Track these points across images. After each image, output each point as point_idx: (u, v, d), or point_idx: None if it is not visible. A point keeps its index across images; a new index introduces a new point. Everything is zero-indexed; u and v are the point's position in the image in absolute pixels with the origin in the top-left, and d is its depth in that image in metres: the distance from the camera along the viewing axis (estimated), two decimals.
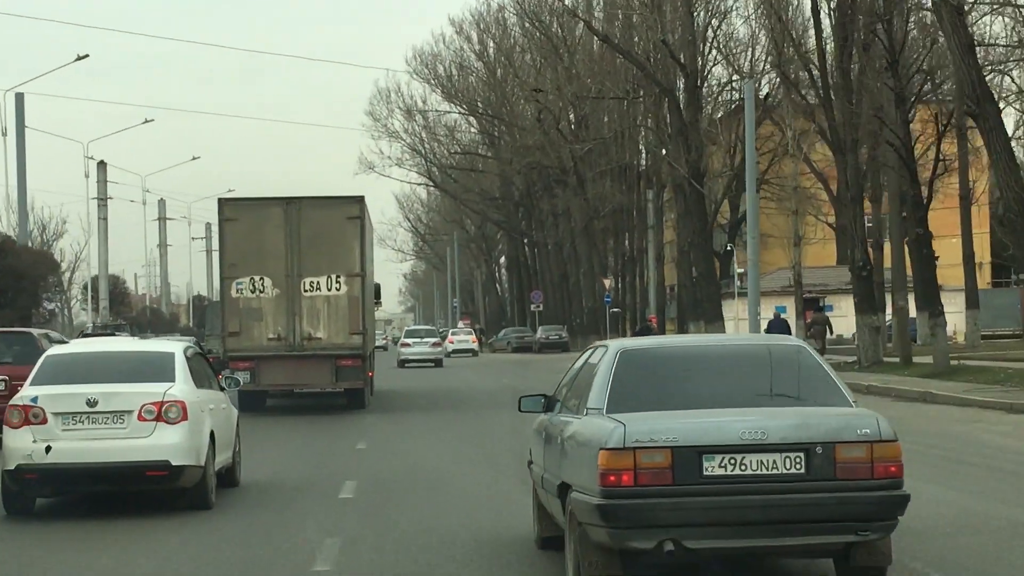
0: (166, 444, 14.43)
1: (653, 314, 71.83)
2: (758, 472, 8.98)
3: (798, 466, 9.00)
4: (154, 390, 14.64)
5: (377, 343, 46.20)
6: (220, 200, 30.10)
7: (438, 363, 60.43)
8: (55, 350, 16.13)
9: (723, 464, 8.98)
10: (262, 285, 29.18)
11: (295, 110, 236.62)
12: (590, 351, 10.98)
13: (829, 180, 63.17)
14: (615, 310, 77.99)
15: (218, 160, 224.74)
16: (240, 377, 29.29)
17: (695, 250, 54.33)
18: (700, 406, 9.46)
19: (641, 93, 63.94)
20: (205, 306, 75.06)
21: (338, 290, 29.28)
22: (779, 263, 71.34)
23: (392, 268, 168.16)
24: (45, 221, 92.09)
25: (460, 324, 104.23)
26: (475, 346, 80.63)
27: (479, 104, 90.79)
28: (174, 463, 14.46)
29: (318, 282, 29.24)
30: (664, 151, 59.15)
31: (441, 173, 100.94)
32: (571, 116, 78.82)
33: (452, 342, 78.22)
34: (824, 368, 9.95)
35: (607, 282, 77.47)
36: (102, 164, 77.52)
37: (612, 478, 8.94)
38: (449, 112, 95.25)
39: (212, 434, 15.24)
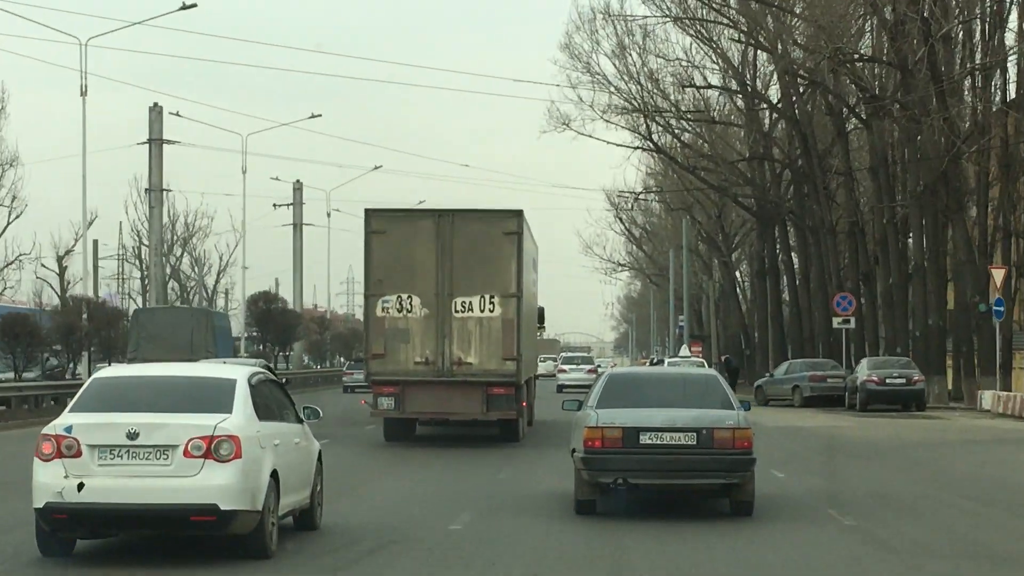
0: (215, 485, 12.52)
1: None
2: (670, 443, 15.90)
3: (692, 440, 15.89)
4: (204, 422, 12.75)
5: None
6: (367, 211, 28.18)
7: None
8: (103, 373, 14.33)
9: (651, 437, 15.91)
10: (410, 304, 27.41)
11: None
12: (601, 375, 18.39)
13: None
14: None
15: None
16: (384, 402, 27.75)
17: None
18: (644, 406, 16.34)
19: None
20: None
21: (491, 311, 27.36)
22: None
23: (600, 284, 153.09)
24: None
25: (686, 350, 77.54)
26: None
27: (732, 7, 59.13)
28: (223, 507, 12.54)
29: (470, 302, 27.37)
30: None
31: (665, 132, 69.58)
32: None
33: None
34: (723, 386, 16.90)
35: (998, 274, 44.05)
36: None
37: (589, 443, 16.03)
38: (672, 18, 61.28)
39: (276, 473, 13.31)
